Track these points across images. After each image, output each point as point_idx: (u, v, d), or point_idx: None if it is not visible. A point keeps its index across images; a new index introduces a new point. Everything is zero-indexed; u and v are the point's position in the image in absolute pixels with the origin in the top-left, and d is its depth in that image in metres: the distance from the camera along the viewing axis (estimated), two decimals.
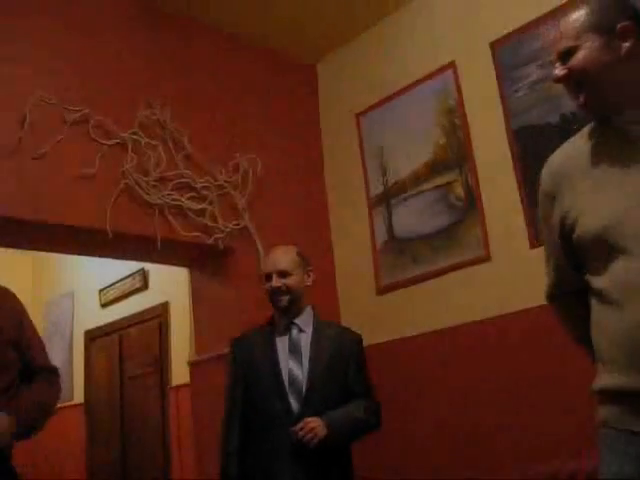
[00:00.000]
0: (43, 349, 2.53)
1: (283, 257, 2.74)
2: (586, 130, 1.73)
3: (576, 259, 1.66)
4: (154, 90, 3.63)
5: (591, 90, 1.60)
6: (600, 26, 1.58)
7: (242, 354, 2.71)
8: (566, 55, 1.62)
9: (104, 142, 3.36)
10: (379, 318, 3.87)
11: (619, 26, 1.57)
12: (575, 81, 1.62)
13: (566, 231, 1.65)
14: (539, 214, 1.79)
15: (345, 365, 2.68)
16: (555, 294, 1.80)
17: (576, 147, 1.71)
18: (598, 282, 1.57)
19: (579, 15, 1.62)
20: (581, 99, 1.63)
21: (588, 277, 1.62)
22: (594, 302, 1.60)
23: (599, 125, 1.68)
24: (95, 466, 5.86)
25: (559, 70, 1.64)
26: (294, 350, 2.64)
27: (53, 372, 2.52)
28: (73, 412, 6.20)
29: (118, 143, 3.40)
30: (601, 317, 1.57)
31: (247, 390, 2.63)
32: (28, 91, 3.15)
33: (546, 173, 1.75)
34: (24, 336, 2.44)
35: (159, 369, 5.29)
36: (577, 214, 1.60)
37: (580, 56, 1.59)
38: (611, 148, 1.61)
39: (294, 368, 2.59)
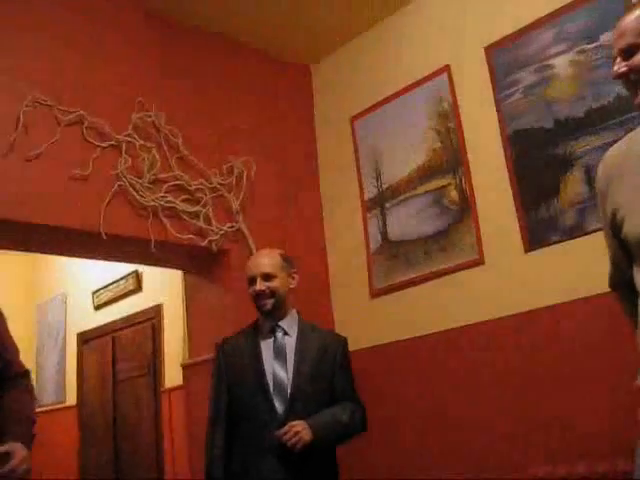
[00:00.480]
0: (17, 353, 2.49)
1: (266, 260, 2.72)
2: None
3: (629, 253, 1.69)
4: (148, 92, 3.63)
5: None
6: None
7: (227, 358, 2.70)
8: (628, 52, 1.63)
9: (98, 144, 3.35)
10: (372, 321, 3.87)
11: None
12: (635, 78, 1.62)
13: (617, 227, 1.67)
14: (599, 216, 1.81)
15: (330, 368, 2.67)
16: (615, 283, 1.82)
17: (630, 143, 1.72)
18: (638, 280, 1.60)
19: None
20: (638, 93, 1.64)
21: (634, 273, 1.64)
22: (638, 299, 1.63)
23: None
24: (88, 468, 5.84)
25: (619, 66, 1.65)
26: (279, 353, 2.63)
27: (27, 376, 2.48)
28: (66, 414, 6.19)
29: (112, 145, 3.40)
30: None
31: (232, 394, 2.63)
32: (22, 92, 3.15)
33: (600, 169, 1.77)
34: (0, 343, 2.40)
35: (152, 371, 5.28)
36: (625, 212, 1.63)
37: None
38: None
39: (279, 371, 2.58)
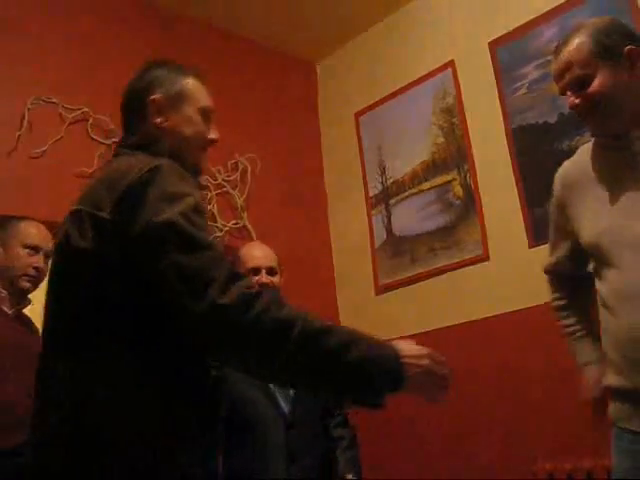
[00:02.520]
0: None
1: (271, 254, 2.59)
2: (591, 144, 1.80)
3: (581, 261, 1.83)
4: None
5: (609, 112, 1.65)
6: (609, 52, 1.64)
7: None
8: (579, 84, 1.66)
9: (103, 141, 3.35)
10: (377, 317, 3.86)
11: (626, 49, 1.63)
12: (592, 106, 1.65)
13: (574, 237, 1.78)
14: (550, 216, 1.93)
15: None
16: (551, 270, 1.98)
17: (582, 160, 1.80)
18: (600, 288, 1.70)
19: (583, 43, 1.66)
20: (596, 122, 1.69)
21: (596, 281, 1.74)
22: (600, 306, 1.72)
23: (606, 142, 1.74)
24: None
25: (574, 98, 1.67)
26: None
27: None
28: None
29: (117, 142, 3.40)
30: (604, 321, 1.69)
31: (233, 395, 2.46)
32: (27, 89, 3.15)
33: (557, 181, 1.86)
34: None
35: None
36: (580, 225, 1.73)
37: (597, 82, 1.63)
38: (614, 164, 1.69)
39: None
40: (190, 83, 1.63)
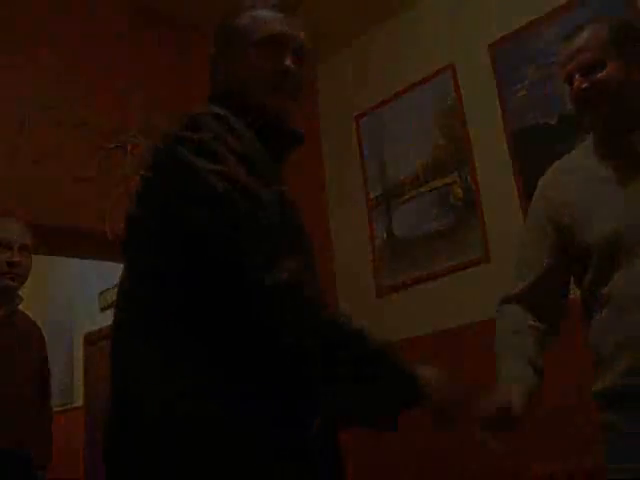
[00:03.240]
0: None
1: None
2: (587, 144, 1.77)
3: (569, 269, 1.76)
4: (153, 92, 3.63)
5: (615, 105, 1.62)
6: (624, 46, 1.62)
7: None
8: (589, 68, 1.63)
9: (103, 145, 3.36)
10: (378, 320, 3.85)
11: None
12: (599, 93, 1.62)
13: (566, 240, 1.72)
14: (529, 221, 1.87)
15: None
16: (514, 297, 1.93)
17: (575, 160, 1.79)
18: (605, 289, 1.63)
19: (601, 31, 1.64)
20: (599, 113, 1.64)
21: (592, 285, 1.68)
22: (598, 308, 1.66)
23: (603, 141, 1.70)
24: (94, 468, 5.85)
25: (581, 82, 1.63)
26: None
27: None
28: (74, 415, 6.20)
29: (117, 146, 3.41)
30: (608, 322, 1.64)
31: None
32: (27, 94, 3.16)
33: (547, 182, 1.84)
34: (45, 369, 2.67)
35: None
36: (584, 224, 1.66)
37: (609, 69, 1.60)
38: (617, 163, 1.66)
39: None
40: (244, 18, 1.34)
